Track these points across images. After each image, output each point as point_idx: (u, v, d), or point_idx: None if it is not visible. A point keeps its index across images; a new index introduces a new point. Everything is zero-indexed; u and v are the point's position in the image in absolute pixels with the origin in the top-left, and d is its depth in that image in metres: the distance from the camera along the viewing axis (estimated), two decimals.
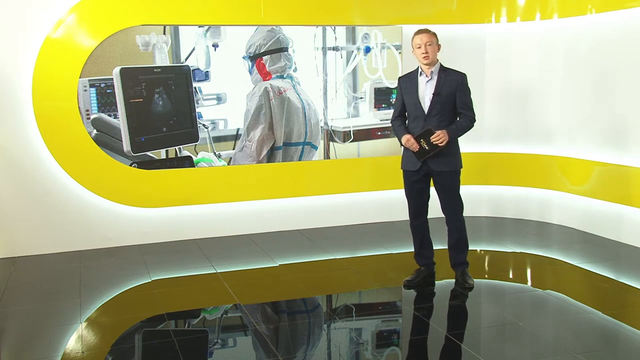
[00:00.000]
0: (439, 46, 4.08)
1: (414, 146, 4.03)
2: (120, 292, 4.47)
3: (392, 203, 6.04)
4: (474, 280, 4.31)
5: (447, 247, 4.35)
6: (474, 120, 4.12)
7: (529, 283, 4.61)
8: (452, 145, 4.12)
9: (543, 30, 5.93)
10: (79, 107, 5.23)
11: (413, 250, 4.45)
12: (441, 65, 4.11)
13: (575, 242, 5.49)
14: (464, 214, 4.31)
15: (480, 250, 5.37)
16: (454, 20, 6.12)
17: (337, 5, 5.86)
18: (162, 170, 5.56)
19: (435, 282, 4.37)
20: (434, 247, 4.43)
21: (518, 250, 5.28)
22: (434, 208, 4.32)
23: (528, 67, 6.08)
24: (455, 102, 4.07)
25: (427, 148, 4.01)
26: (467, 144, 6.14)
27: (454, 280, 4.35)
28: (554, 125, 5.99)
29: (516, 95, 6.17)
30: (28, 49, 5.07)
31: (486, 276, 4.75)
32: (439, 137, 3.95)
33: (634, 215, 5.22)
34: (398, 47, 6.07)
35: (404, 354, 3.44)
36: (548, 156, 6.05)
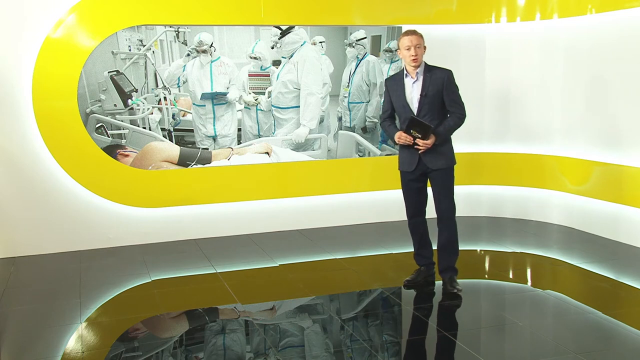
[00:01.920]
0: (425, 48, 4.06)
1: (409, 140, 4.01)
2: (120, 292, 4.47)
3: (392, 203, 6.03)
4: (475, 279, 4.31)
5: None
6: (464, 117, 4.09)
7: (529, 283, 4.61)
8: (446, 143, 4.11)
9: (543, 30, 5.93)
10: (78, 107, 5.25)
11: (413, 250, 4.44)
12: (426, 64, 4.08)
13: (575, 242, 5.49)
14: (459, 215, 4.26)
15: (480, 250, 5.37)
16: (454, 20, 6.11)
17: (337, 5, 5.86)
18: (162, 170, 5.56)
19: (435, 282, 4.37)
20: (433, 247, 4.41)
21: (518, 250, 5.28)
22: (433, 208, 4.29)
23: (528, 67, 6.07)
24: (442, 99, 4.05)
25: (420, 135, 3.97)
26: (467, 144, 6.18)
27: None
28: (554, 125, 5.98)
29: (516, 95, 6.16)
30: (28, 49, 5.07)
31: (486, 276, 4.75)
32: (424, 145, 3.96)
33: (634, 215, 5.22)
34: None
35: (403, 354, 3.44)
36: (548, 156, 6.05)
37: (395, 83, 4.15)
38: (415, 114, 4.04)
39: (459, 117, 4.07)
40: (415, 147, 4.02)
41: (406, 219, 4.37)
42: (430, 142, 3.97)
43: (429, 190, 4.26)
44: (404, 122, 4.10)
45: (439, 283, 4.35)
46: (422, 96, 4.01)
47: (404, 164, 4.19)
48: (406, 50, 4.00)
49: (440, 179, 4.13)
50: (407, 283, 4.31)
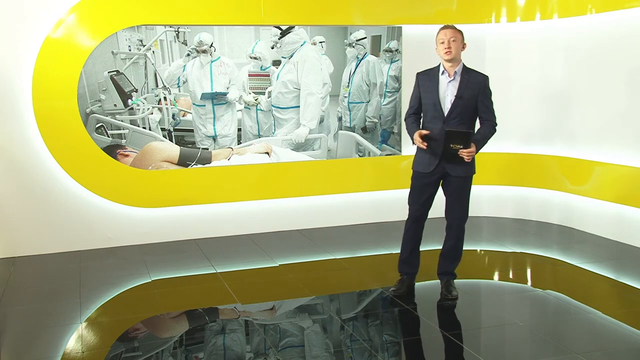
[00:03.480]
0: (464, 45, 3.89)
1: (423, 145, 3.83)
2: (120, 292, 4.47)
3: (392, 203, 6.04)
4: (475, 279, 4.30)
5: (436, 249, 4.19)
6: (496, 126, 3.95)
7: (529, 283, 4.61)
8: None
9: (543, 30, 5.93)
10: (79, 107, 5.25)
11: (407, 254, 4.20)
12: (464, 65, 3.93)
13: (575, 242, 5.49)
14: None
15: (480, 250, 5.37)
16: (454, 20, 6.10)
17: (337, 5, 5.86)
18: (162, 170, 5.56)
19: (435, 282, 4.35)
20: (428, 248, 4.32)
21: (518, 250, 5.28)
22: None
23: (528, 67, 6.08)
24: (476, 105, 3.89)
25: (461, 146, 3.76)
26: None
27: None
28: (554, 125, 5.98)
29: (516, 95, 6.16)
30: (28, 49, 5.07)
31: (486, 276, 4.75)
32: (470, 153, 3.79)
33: (634, 214, 5.22)
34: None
35: (403, 354, 3.44)
36: (548, 156, 6.05)
37: (428, 78, 3.95)
38: (445, 114, 3.86)
39: (492, 125, 3.93)
40: (458, 155, 3.80)
41: (405, 219, 4.24)
42: (474, 149, 3.80)
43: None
44: (431, 120, 3.90)
45: (438, 283, 4.34)
46: (457, 97, 3.84)
47: (420, 165, 3.99)
48: (440, 44, 3.83)
49: (458, 186, 3.98)
50: (394, 293, 4.14)
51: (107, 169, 5.41)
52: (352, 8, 5.91)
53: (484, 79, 3.93)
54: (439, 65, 3.95)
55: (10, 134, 5.15)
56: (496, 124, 3.97)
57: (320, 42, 5.91)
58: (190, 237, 5.74)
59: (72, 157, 5.30)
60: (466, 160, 3.84)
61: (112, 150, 5.42)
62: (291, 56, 5.84)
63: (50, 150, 5.23)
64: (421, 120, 4.04)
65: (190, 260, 5.11)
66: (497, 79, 6.17)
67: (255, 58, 5.77)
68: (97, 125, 5.36)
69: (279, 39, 5.77)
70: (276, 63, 5.83)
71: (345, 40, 6.00)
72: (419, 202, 4.06)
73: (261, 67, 5.80)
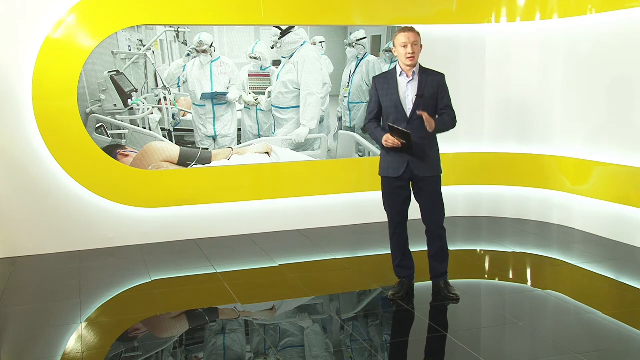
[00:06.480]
0: (421, 47, 3.90)
1: (397, 143, 3.79)
2: (120, 292, 4.47)
3: None
4: (475, 279, 4.30)
5: (426, 250, 4.14)
6: (456, 120, 3.97)
7: (529, 283, 4.61)
8: (434, 150, 3.96)
9: (543, 30, 5.93)
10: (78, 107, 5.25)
11: (400, 258, 4.16)
12: (420, 65, 3.93)
13: (575, 242, 5.49)
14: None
15: (480, 250, 5.37)
16: (454, 20, 6.11)
17: (337, 5, 5.86)
18: (162, 170, 5.56)
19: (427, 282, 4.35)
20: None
21: (518, 250, 5.28)
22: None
23: (528, 67, 6.07)
24: (436, 103, 3.91)
25: (404, 141, 3.77)
26: (467, 143, 6.19)
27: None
28: (554, 125, 5.98)
29: (516, 95, 6.16)
30: (28, 49, 5.07)
31: (486, 276, 4.75)
32: (428, 120, 3.74)
33: (634, 214, 5.22)
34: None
35: (403, 354, 3.44)
36: (548, 156, 6.05)
37: (386, 81, 3.94)
38: (408, 115, 3.86)
39: (454, 118, 3.95)
40: (419, 143, 3.79)
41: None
42: (432, 121, 3.77)
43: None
44: (393, 123, 3.86)
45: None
46: (419, 97, 3.84)
47: (388, 170, 3.95)
48: (402, 48, 3.81)
49: (431, 187, 3.96)
50: (393, 296, 4.10)
51: (107, 169, 5.41)
52: (352, 8, 5.91)
53: (442, 77, 3.95)
54: (395, 67, 3.94)
55: (10, 134, 5.15)
56: (456, 119, 3.98)
57: (320, 42, 5.91)
58: (190, 237, 5.74)
59: (72, 157, 5.30)
60: (428, 129, 3.79)
61: (112, 150, 5.42)
62: (291, 56, 5.84)
63: (50, 150, 5.23)
64: (381, 125, 4.01)
65: (190, 260, 5.11)
66: (497, 79, 6.23)
67: (255, 58, 5.77)
68: (97, 125, 5.37)
69: (279, 39, 5.77)
70: (276, 63, 5.83)
71: (345, 40, 6.00)
72: (396, 208, 4.04)
73: (261, 67, 5.80)
